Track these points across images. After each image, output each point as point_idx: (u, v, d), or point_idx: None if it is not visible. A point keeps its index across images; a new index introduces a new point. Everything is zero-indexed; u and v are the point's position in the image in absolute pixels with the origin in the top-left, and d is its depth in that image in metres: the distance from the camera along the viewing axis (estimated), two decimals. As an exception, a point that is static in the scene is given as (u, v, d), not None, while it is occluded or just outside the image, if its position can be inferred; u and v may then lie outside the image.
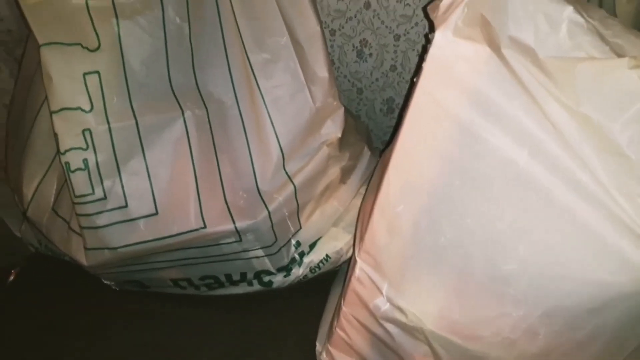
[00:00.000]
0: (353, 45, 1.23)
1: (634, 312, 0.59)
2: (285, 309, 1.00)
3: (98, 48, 0.76)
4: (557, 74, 0.56)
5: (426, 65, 0.62)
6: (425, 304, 0.70)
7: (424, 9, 0.75)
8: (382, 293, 0.72)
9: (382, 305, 0.73)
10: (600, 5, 0.83)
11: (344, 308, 0.79)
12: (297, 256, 0.94)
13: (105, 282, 1.00)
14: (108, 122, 0.77)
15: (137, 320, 0.98)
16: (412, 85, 0.65)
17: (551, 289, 0.62)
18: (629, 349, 0.63)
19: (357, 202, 0.97)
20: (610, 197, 0.56)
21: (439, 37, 0.60)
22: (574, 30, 0.57)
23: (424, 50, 0.62)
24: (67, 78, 0.75)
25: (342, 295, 0.80)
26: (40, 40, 0.74)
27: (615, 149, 0.54)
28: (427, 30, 1.13)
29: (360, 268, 0.74)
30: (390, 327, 0.73)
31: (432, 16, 0.63)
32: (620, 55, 0.56)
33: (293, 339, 0.94)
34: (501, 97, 0.58)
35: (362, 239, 0.75)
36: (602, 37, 0.58)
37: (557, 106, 0.56)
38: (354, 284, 0.76)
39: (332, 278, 1.02)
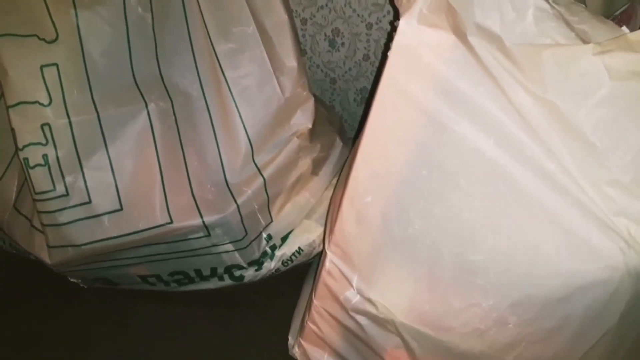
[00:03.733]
0: (325, 35, 1.21)
1: (601, 300, 0.59)
2: (259, 302, 0.99)
3: (56, 39, 0.74)
4: (523, 61, 0.56)
5: (391, 54, 0.60)
6: (395, 295, 0.69)
7: (390, -4, 0.74)
8: (352, 285, 0.71)
9: (352, 297, 0.72)
10: (569, -8, 0.83)
11: (315, 301, 0.78)
12: (268, 250, 0.93)
13: (72, 280, 0.97)
14: (68, 116, 0.75)
15: (107, 321, 0.96)
16: (378, 74, 0.64)
17: (520, 278, 0.62)
18: (597, 337, 0.63)
19: (330, 193, 0.96)
20: (577, 185, 0.56)
21: (403, 24, 0.59)
22: (540, 16, 0.56)
23: (390, 38, 0.61)
24: (23, 71, 0.73)
25: (313, 288, 0.79)
26: (-6, 31, 0.71)
27: (581, 136, 0.54)
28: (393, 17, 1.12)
29: (330, 260, 0.73)
30: (361, 319, 0.73)
31: (397, 3, 0.62)
32: (585, 41, 0.56)
33: (266, 335, 0.93)
34: (467, 85, 0.57)
35: (331, 231, 0.74)
36: (567, 24, 0.57)
37: (523, 93, 0.56)
38: (324, 276, 0.75)
39: (305, 271, 1.02)
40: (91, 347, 0.91)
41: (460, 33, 0.57)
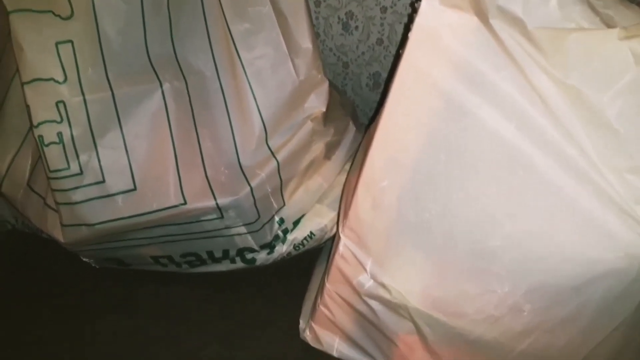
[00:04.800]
0: (338, 18, 1.20)
1: (617, 289, 0.59)
2: (268, 286, 0.99)
3: (71, 16, 0.73)
4: (545, 45, 0.55)
5: (412, 35, 0.60)
6: (409, 280, 0.69)
7: (411, -23, 0.73)
8: (365, 270, 0.71)
9: (365, 282, 0.72)
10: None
11: (327, 285, 0.78)
12: (280, 233, 0.93)
13: (84, 259, 0.98)
14: (83, 94, 0.75)
15: (117, 301, 0.96)
16: (397, 57, 0.64)
17: (536, 265, 0.61)
18: (612, 326, 0.63)
19: (342, 178, 0.95)
20: (598, 172, 0.55)
21: (425, 5, 0.58)
22: (564, 0, 0.55)
23: (410, 20, 0.60)
24: (38, 47, 0.73)
25: (326, 272, 0.79)
26: (9, 7, 0.71)
27: (604, 122, 0.53)
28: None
29: (344, 245, 0.73)
30: (374, 304, 0.73)
31: (418, -16, 0.61)
32: (610, 26, 0.55)
33: (277, 318, 0.93)
34: (488, 69, 0.57)
35: (346, 215, 0.73)
36: (592, 8, 0.57)
37: (545, 78, 0.55)
38: (337, 260, 0.75)
39: (316, 255, 1.01)
40: (91, 322, 0.91)
41: (482, 15, 0.57)
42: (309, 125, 0.87)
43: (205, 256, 0.93)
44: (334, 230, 0.93)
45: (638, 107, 0.53)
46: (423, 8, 0.58)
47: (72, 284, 0.99)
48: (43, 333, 0.89)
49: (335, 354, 0.82)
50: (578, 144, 0.55)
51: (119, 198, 0.79)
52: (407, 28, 0.61)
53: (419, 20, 0.59)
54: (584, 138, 0.55)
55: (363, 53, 1.24)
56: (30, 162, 0.86)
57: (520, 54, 0.56)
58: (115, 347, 0.87)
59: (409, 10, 1.13)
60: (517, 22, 0.55)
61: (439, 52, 0.58)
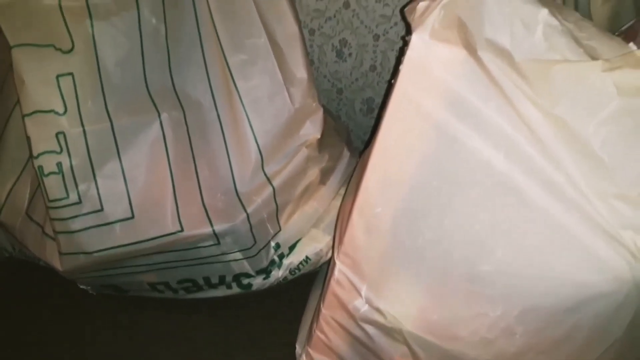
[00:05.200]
0: (332, 45, 1.23)
1: (608, 311, 0.60)
2: (265, 311, 1.00)
3: (72, 49, 0.75)
4: (532, 77, 0.57)
5: (403, 68, 0.61)
6: (403, 305, 0.70)
7: (402, 11, 0.75)
8: (360, 295, 0.72)
9: (361, 306, 0.73)
10: (576, 7, 0.84)
11: (323, 310, 0.78)
12: (276, 258, 0.94)
13: (81, 287, 0.98)
14: (82, 125, 0.76)
15: (115, 328, 0.97)
16: (390, 87, 0.65)
17: (528, 289, 0.62)
18: (604, 347, 0.64)
19: (337, 203, 0.96)
20: (585, 198, 0.56)
21: (415, 39, 0.60)
22: (549, 32, 0.57)
23: (402, 52, 0.62)
24: (39, 80, 0.74)
25: (322, 297, 0.80)
26: (12, 42, 0.73)
27: (589, 151, 0.55)
28: (405, 31, 1.13)
29: (339, 270, 0.74)
30: (369, 328, 0.73)
31: (409, 18, 0.63)
32: (594, 57, 0.57)
33: (274, 343, 0.94)
34: (477, 100, 0.58)
35: (341, 240, 0.74)
36: (576, 40, 0.58)
37: (532, 108, 0.57)
38: (333, 286, 0.75)
39: (312, 279, 1.02)
40: (95, 349, 0.92)
41: (471, 48, 0.58)
42: (304, 151, 0.89)
43: (201, 282, 0.93)
44: (330, 254, 0.94)
45: (621, 136, 0.54)
46: (414, 42, 0.60)
47: (68, 310, 1.00)
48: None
49: (332, 378, 0.83)
50: (565, 172, 0.56)
51: (117, 226, 0.80)
52: (399, 60, 0.62)
53: (409, 53, 0.61)
54: (571, 166, 0.56)
55: (357, 79, 1.27)
56: (29, 190, 0.87)
57: (508, 84, 0.57)
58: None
59: (401, 37, 1.16)
60: (504, 54, 0.57)
61: (429, 84, 0.60)
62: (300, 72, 0.87)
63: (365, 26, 1.17)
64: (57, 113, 0.75)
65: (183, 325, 0.98)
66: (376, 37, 1.18)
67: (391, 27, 1.16)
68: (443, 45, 0.59)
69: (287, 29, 0.86)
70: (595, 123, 0.54)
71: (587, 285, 0.59)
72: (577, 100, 0.55)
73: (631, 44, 0.59)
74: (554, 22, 0.57)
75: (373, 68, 1.24)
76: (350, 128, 1.34)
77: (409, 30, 0.62)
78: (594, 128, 0.54)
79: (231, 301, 0.99)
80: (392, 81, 0.65)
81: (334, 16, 1.17)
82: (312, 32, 1.21)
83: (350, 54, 1.23)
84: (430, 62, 0.60)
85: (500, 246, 0.62)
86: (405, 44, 0.62)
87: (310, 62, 0.97)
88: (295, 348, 0.90)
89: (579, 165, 0.56)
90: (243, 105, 0.83)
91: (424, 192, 0.64)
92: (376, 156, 0.68)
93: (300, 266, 0.96)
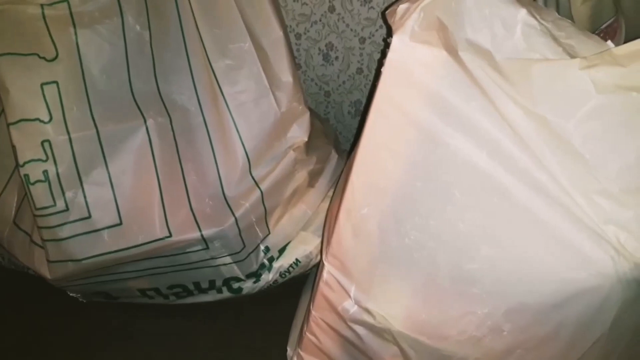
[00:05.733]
0: (319, 49, 1.23)
1: (593, 307, 0.60)
2: (256, 314, 1.00)
3: (56, 58, 0.75)
4: (513, 76, 0.57)
5: (385, 70, 0.62)
6: (392, 305, 0.70)
7: (383, 14, 0.76)
8: (350, 296, 0.72)
9: (350, 308, 0.73)
10: (557, 7, 0.85)
11: (313, 312, 0.79)
12: (266, 261, 0.94)
13: (71, 294, 0.98)
14: (68, 133, 0.76)
15: (106, 332, 0.96)
16: (372, 89, 0.66)
17: (514, 286, 0.63)
18: (590, 342, 0.64)
19: (326, 205, 0.97)
20: (568, 195, 0.57)
21: (396, 41, 0.60)
22: (528, 32, 0.58)
23: (383, 54, 0.63)
24: (24, 89, 0.74)
25: (311, 299, 0.80)
26: (-5, 51, 0.72)
27: (570, 148, 0.55)
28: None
29: (328, 272, 0.74)
30: (359, 329, 0.74)
31: (390, 21, 0.63)
32: (572, 56, 0.57)
33: (266, 346, 0.94)
34: (459, 100, 0.59)
35: (328, 242, 0.75)
36: (555, 39, 0.59)
37: (514, 107, 0.57)
38: (322, 287, 0.76)
39: (303, 282, 1.02)
40: (90, 354, 0.91)
41: (451, 49, 0.59)
42: (291, 154, 0.89)
43: (192, 287, 0.93)
44: (319, 257, 0.95)
45: (601, 133, 0.55)
46: (394, 44, 0.60)
47: (62, 317, 0.99)
48: None
49: (323, 380, 0.83)
50: (548, 170, 0.57)
51: (105, 233, 0.80)
52: (381, 63, 0.63)
53: (391, 55, 0.61)
54: (553, 163, 0.57)
55: (344, 82, 1.27)
56: (16, 199, 0.87)
57: (489, 84, 0.58)
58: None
59: (382, 40, 1.17)
60: (485, 54, 0.58)
61: (411, 85, 0.61)
62: (286, 76, 0.88)
63: (351, 29, 1.18)
64: (42, 121, 0.75)
65: (179, 330, 0.97)
66: (362, 40, 1.19)
67: (377, 30, 1.17)
68: (424, 47, 0.60)
69: (272, 34, 0.86)
70: (575, 120, 0.55)
71: (572, 281, 0.59)
72: (557, 98, 0.56)
73: (609, 42, 0.60)
74: (533, 21, 0.57)
75: (360, 71, 1.24)
76: (339, 131, 1.35)
77: (390, 33, 0.62)
78: (574, 125, 0.55)
79: (227, 305, 0.99)
80: (375, 83, 0.65)
81: (320, 20, 1.18)
82: (298, 36, 1.22)
83: (337, 58, 1.23)
84: (411, 64, 0.60)
85: (486, 244, 0.62)
86: (387, 46, 0.62)
87: (296, 66, 0.97)
88: (282, 353, 0.90)
89: (561, 163, 0.56)
90: (229, 109, 0.83)
91: (409, 193, 0.65)
92: (361, 158, 0.68)
93: (291, 269, 0.96)
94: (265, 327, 0.98)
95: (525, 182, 0.58)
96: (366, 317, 0.72)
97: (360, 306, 0.72)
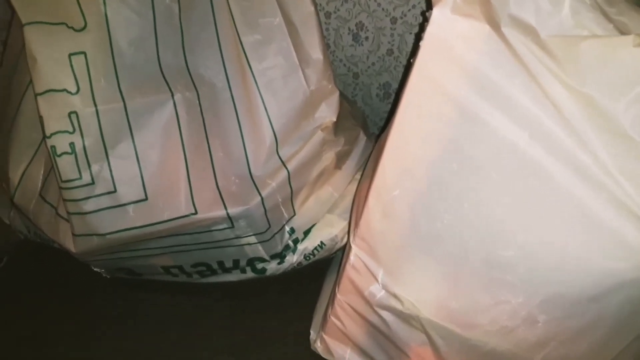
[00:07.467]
0: (349, 29, 1.21)
1: (635, 300, 0.58)
2: (279, 296, 0.99)
3: (84, 28, 0.74)
4: (559, 53, 0.54)
5: (423, 44, 0.59)
6: (421, 291, 0.68)
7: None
8: (377, 280, 0.71)
9: (377, 292, 0.71)
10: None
11: (338, 296, 0.77)
12: (291, 243, 0.92)
13: (95, 269, 0.98)
14: (95, 105, 0.75)
15: (128, 311, 0.96)
16: (408, 66, 0.63)
17: (551, 275, 0.60)
18: (629, 339, 0.62)
19: (353, 188, 0.95)
20: (613, 179, 0.54)
21: (437, 14, 0.58)
22: (577, 7, 0.55)
23: (421, 29, 0.60)
24: (52, 59, 0.73)
25: (337, 282, 0.79)
26: (24, 20, 0.72)
27: (619, 130, 0.52)
28: (424, 9, 1.10)
29: (355, 254, 0.73)
30: (386, 314, 0.72)
31: (429, -7, 0.61)
32: (624, 33, 0.55)
33: (288, 328, 0.93)
34: (501, 77, 0.56)
35: (357, 224, 0.73)
36: (605, 15, 0.56)
37: (559, 86, 0.55)
38: (348, 271, 0.74)
39: (327, 265, 1.01)
40: (100, 331, 0.92)
41: (494, 24, 0.56)
42: (319, 134, 0.87)
43: (215, 266, 0.93)
44: (345, 240, 0.93)
45: (654, 114, 0.52)
46: (435, 17, 0.58)
47: (83, 294, 1.00)
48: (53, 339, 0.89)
49: (346, 365, 0.82)
50: (592, 152, 0.54)
51: (130, 208, 0.79)
52: (419, 37, 0.60)
53: (430, 29, 0.58)
54: (598, 145, 0.54)
55: (373, 64, 1.24)
56: (42, 172, 0.87)
57: (533, 62, 0.55)
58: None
59: (419, 20, 1.14)
60: (529, 30, 0.55)
61: (451, 61, 0.58)
62: (316, 53, 0.85)
63: (383, 9, 1.15)
64: (69, 92, 0.74)
65: (190, 310, 0.97)
66: (394, 20, 1.16)
67: (409, 10, 1.14)
68: (465, 20, 0.57)
69: (303, 9, 0.84)
70: (626, 101, 0.52)
71: (613, 272, 0.57)
72: (607, 78, 0.53)
73: (665, 19, 0.56)
74: (582, -5, 0.54)
75: (390, 52, 1.21)
76: (367, 114, 1.32)
77: (429, 6, 0.59)
78: (625, 106, 0.52)
79: (241, 287, 0.98)
80: (411, 60, 0.63)
81: (351, -2, 1.15)
82: (328, 15, 1.19)
83: (366, 38, 1.21)
84: (451, 38, 0.58)
85: (522, 231, 0.60)
86: (426, 20, 0.60)
87: (326, 45, 0.95)
88: (304, 336, 0.89)
89: (607, 145, 0.54)
90: (257, 86, 0.81)
91: (444, 174, 0.62)
92: (394, 138, 0.66)
93: (315, 251, 0.94)
94: (285, 309, 0.97)
95: (568, 165, 0.55)
96: (393, 303, 0.70)
97: (387, 291, 0.70)
